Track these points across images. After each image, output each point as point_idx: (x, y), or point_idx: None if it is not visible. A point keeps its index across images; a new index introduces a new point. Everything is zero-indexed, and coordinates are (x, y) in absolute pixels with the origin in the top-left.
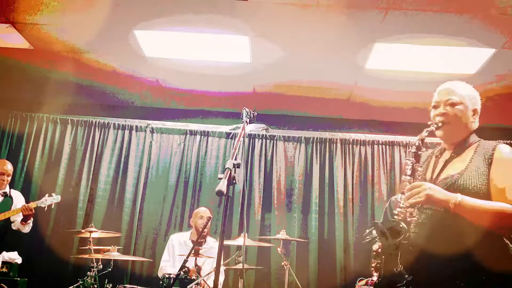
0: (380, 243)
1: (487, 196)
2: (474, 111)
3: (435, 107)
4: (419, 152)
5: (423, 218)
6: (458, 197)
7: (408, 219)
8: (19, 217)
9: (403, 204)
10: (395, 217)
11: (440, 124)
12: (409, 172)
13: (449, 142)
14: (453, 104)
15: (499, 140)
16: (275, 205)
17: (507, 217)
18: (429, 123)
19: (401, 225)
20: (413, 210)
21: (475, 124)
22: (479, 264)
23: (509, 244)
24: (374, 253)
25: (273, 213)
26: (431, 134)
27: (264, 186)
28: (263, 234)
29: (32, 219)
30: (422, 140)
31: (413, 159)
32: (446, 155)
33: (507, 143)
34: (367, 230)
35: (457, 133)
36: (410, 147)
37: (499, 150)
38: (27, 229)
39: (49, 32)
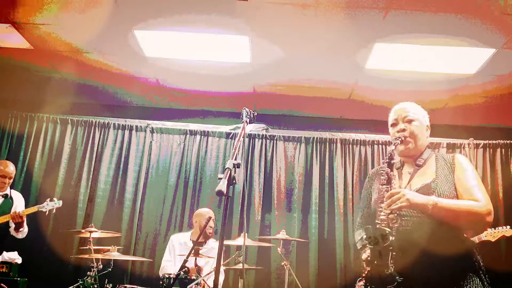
0: (369, 252)
1: (456, 198)
2: (427, 127)
3: (394, 125)
4: (392, 162)
5: (404, 224)
6: (434, 198)
7: (391, 225)
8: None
9: (384, 211)
10: (379, 224)
11: (403, 139)
12: (385, 182)
13: (409, 155)
14: (410, 121)
15: (499, 141)
16: (275, 205)
17: (475, 212)
18: (391, 139)
19: (387, 231)
20: (394, 217)
21: (428, 139)
22: (454, 262)
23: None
24: (364, 261)
25: (273, 213)
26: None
27: (264, 186)
28: (263, 234)
29: (25, 226)
30: (392, 152)
31: (388, 168)
32: (408, 167)
33: (507, 143)
34: (359, 237)
35: (416, 146)
36: (383, 159)
37: (458, 159)
38: (20, 236)
39: (49, 32)
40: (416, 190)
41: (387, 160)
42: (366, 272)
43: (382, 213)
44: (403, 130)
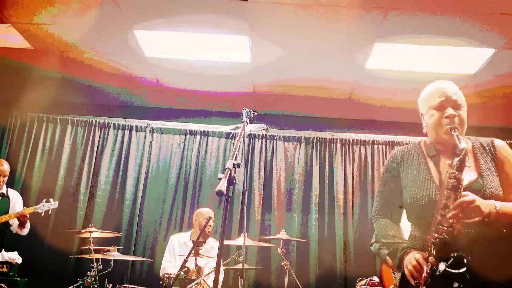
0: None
1: (502, 196)
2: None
3: (441, 108)
4: (463, 165)
5: (472, 237)
6: (496, 204)
7: (455, 236)
8: (16, 221)
9: (451, 220)
10: (438, 235)
11: (459, 128)
12: (450, 187)
13: (449, 144)
14: (459, 107)
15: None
16: (275, 205)
17: None
18: (448, 127)
19: (462, 254)
20: (456, 228)
21: None
22: None
23: None
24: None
25: (273, 213)
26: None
27: (264, 186)
28: (263, 234)
29: (28, 222)
30: (465, 152)
31: (458, 172)
32: (445, 158)
33: (507, 143)
34: (375, 244)
35: (462, 135)
36: (453, 160)
37: (499, 146)
38: (25, 231)
39: (49, 32)
40: (464, 188)
41: (458, 163)
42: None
43: (443, 225)
44: (454, 116)
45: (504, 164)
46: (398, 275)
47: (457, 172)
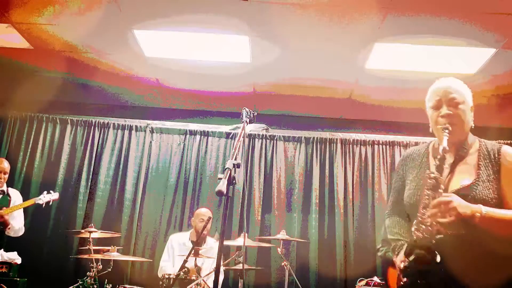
0: (405, 262)
1: (500, 204)
2: (472, 108)
3: (436, 107)
4: (444, 166)
5: (451, 237)
6: (482, 209)
7: (436, 237)
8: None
9: (427, 220)
10: (417, 233)
11: (450, 128)
12: (431, 187)
13: (451, 144)
14: (457, 104)
15: (499, 140)
16: (275, 205)
17: None
18: (438, 126)
19: (436, 255)
20: (438, 227)
21: (472, 121)
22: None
23: None
24: (401, 272)
25: (273, 213)
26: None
27: (264, 186)
28: (263, 234)
29: (11, 224)
30: (445, 150)
31: (437, 173)
32: (449, 158)
33: (507, 143)
34: (381, 248)
35: (460, 134)
36: (435, 161)
37: (506, 154)
38: (12, 234)
39: (49, 32)
40: (454, 191)
41: (438, 163)
42: (402, 282)
43: (424, 223)
44: (448, 115)
45: (504, 170)
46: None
47: (436, 173)
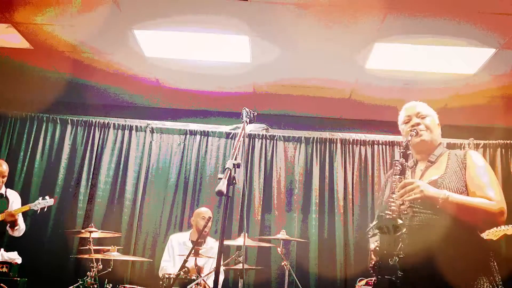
0: (377, 242)
1: (465, 195)
2: (438, 125)
3: (407, 121)
4: (408, 152)
5: (416, 220)
6: (446, 192)
7: (402, 217)
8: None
9: (396, 201)
10: (390, 214)
11: (418, 131)
12: (398, 172)
13: (424, 149)
14: (423, 117)
15: (499, 140)
16: (275, 205)
17: (487, 211)
18: (404, 135)
19: (399, 222)
20: (405, 208)
21: (440, 137)
22: (462, 263)
23: (481, 236)
24: (372, 251)
25: (273, 213)
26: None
27: (264, 186)
28: (263, 234)
29: (19, 224)
30: (408, 142)
31: (403, 158)
32: (421, 165)
33: (507, 143)
34: (371, 224)
35: (430, 142)
36: (398, 148)
37: (470, 155)
38: (16, 234)
39: (49, 32)
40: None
41: (403, 150)
42: (373, 262)
43: (393, 204)
44: (418, 124)
45: (469, 169)
46: None
47: (401, 159)
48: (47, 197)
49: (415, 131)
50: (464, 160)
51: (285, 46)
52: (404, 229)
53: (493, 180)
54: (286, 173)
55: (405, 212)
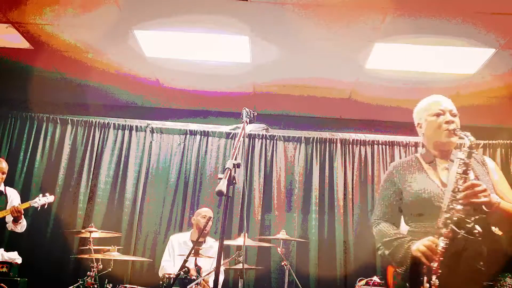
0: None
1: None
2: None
3: (439, 114)
4: (472, 152)
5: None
6: (498, 198)
7: (467, 219)
8: (11, 218)
9: (459, 201)
10: (453, 213)
11: (455, 131)
12: (461, 171)
13: (445, 149)
14: (455, 115)
15: (499, 141)
16: (275, 205)
17: None
18: (448, 127)
19: (472, 223)
20: (469, 209)
21: None
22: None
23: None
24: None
25: (273, 213)
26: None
27: (264, 186)
28: (263, 234)
29: (23, 219)
30: (473, 143)
31: (468, 159)
32: (442, 162)
33: (507, 143)
34: (380, 234)
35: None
36: (462, 148)
37: (489, 161)
38: (19, 228)
39: (49, 32)
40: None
41: (468, 149)
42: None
43: (454, 204)
44: (452, 122)
45: (493, 173)
46: (403, 268)
47: (466, 159)
48: (47, 194)
49: (456, 130)
50: (485, 165)
51: (285, 46)
52: (477, 231)
53: (509, 185)
54: (286, 173)
55: (470, 215)
